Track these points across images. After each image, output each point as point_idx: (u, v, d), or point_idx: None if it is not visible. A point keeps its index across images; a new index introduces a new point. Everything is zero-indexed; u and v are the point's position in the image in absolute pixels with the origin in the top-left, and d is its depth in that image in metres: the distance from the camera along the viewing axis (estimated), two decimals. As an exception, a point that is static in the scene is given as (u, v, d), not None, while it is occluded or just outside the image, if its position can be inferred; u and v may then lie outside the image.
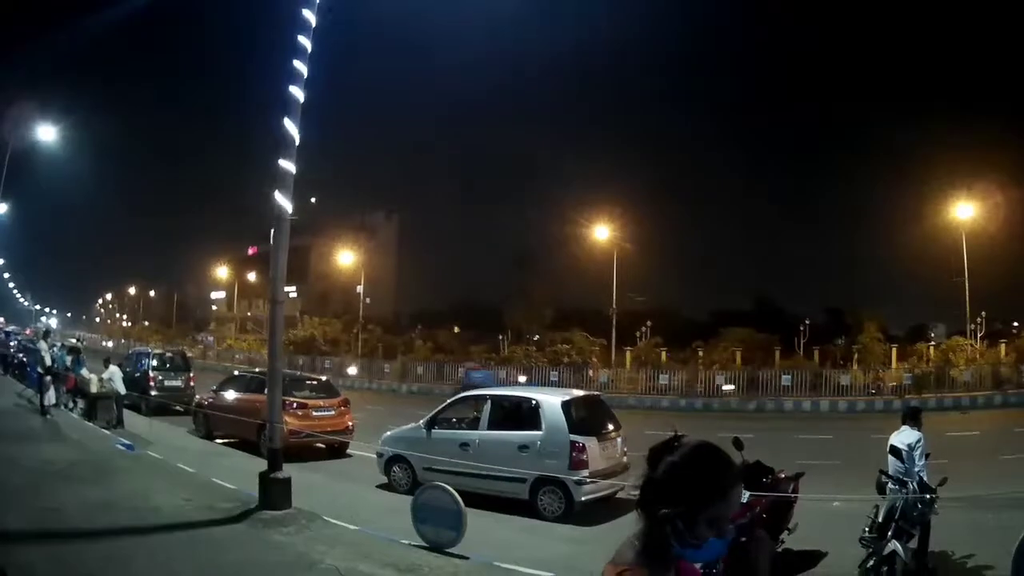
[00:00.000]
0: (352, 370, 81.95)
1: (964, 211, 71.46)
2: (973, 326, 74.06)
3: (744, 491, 13.12)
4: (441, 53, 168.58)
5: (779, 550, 14.07)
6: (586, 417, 21.40)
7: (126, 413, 33.07)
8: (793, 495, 14.56)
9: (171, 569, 13.74)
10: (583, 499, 19.43)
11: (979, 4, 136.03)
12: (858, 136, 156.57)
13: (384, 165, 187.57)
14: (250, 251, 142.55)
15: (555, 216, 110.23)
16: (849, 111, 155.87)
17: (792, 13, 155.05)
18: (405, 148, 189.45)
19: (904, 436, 14.91)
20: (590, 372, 71.79)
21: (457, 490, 15.79)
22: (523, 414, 21.57)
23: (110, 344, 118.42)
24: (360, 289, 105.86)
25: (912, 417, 15.40)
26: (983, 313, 75.97)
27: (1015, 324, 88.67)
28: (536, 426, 20.83)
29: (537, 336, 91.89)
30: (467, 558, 14.75)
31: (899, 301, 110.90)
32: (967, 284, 71.14)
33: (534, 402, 21.55)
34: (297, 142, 19.80)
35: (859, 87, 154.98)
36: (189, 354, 55.92)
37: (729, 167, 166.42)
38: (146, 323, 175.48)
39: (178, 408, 37.75)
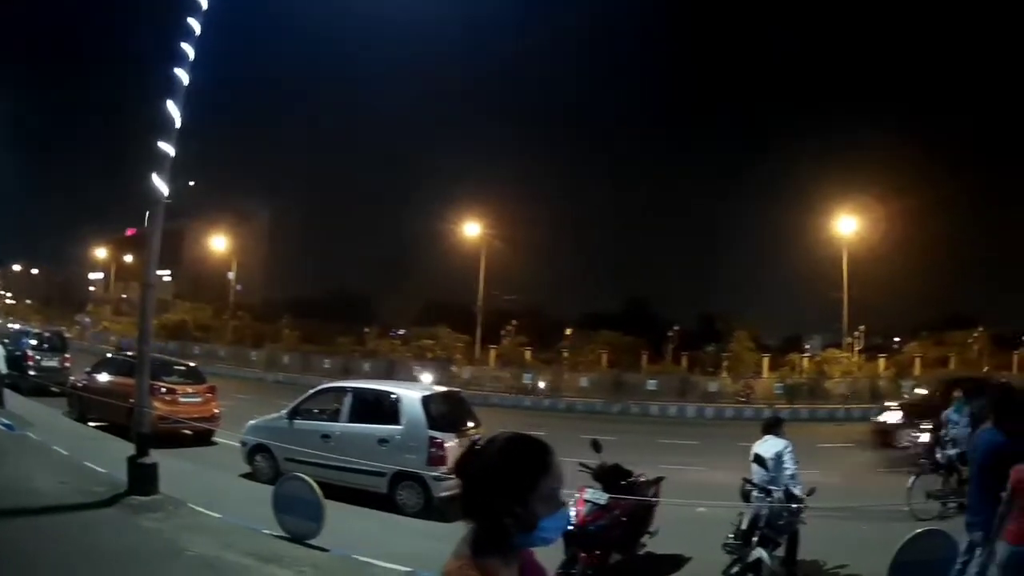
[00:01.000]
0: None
1: (846, 225, 72.38)
2: (851, 339, 75.05)
3: (603, 493, 13.39)
4: (328, 52, 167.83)
5: (640, 554, 14.19)
6: (446, 413, 21.47)
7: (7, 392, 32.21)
8: (654, 499, 14.72)
9: (54, 552, 13.52)
10: (442, 495, 19.36)
11: (871, 19, 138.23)
12: (743, 147, 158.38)
13: (266, 155, 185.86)
14: (128, 232, 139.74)
15: (432, 213, 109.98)
16: (734, 120, 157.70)
17: (675, 17, 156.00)
18: (288, 139, 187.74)
19: (770, 445, 14.78)
20: (454, 368, 71.15)
21: (318, 481, 15.70)
22: (383, 408, 21.49)
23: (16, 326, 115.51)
24: (231, 275, 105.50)
25: (774, 427, 15.40)
26: (862, 327, 77.07)
27: (896, 339, 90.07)
28: (395, 420, 20.86)
29: (403, 330, 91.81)
30: (327, 550, 14.71)
31: (776, 312, 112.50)
32: (846, 298, 72.14)
33: (394, 396, 21.55)
34: (178, 125, 19.54)
35: (746, 95, 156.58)
36: (67, 335, 54.98)
37: (609, 172, 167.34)
38: (28, 302, 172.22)
39: (54, 389, 36.30)
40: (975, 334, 76.37)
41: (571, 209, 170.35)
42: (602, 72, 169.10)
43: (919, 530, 12.70)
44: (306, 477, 15.89)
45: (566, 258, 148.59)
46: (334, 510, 15.80)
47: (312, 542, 14.95)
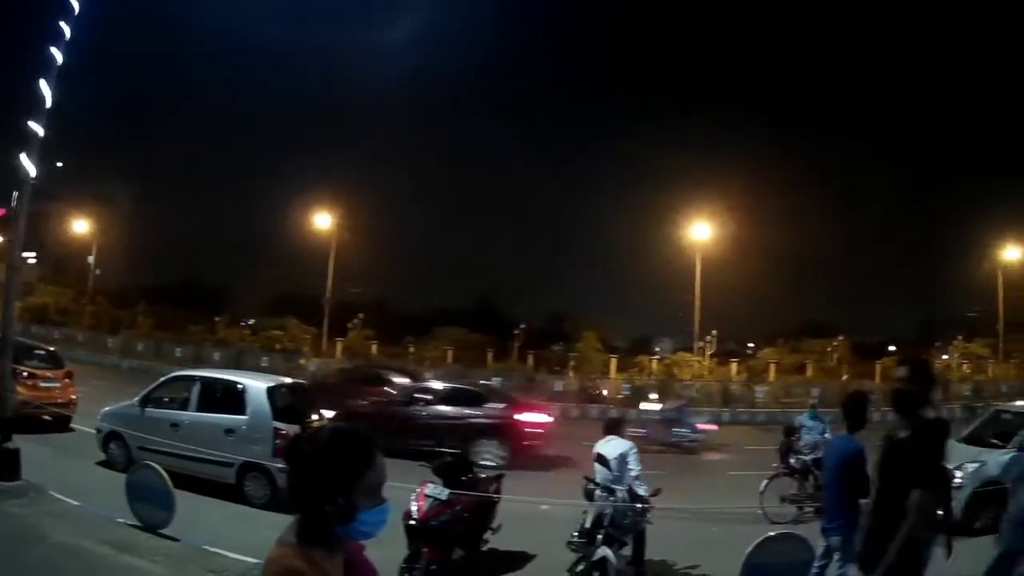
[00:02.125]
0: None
1: (701, 230, 72.79)
2: (702, 343, 75.12)
3: (444, 488, 13.30)
4: (194, 36, 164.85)
5: (484, 550, 14.12)
6: (291, 404, 21.37)
7: None
8: (495, 495, 14.63)
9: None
10: (288, 486, 19.07)
11: (734, 21, 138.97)
12: (600, 146, 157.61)
13: (134, 138, 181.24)
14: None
15: (289, 202, 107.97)
16: (591, 120, 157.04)
17: (525, 10, 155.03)
18: (156, 123, 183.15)
19: (614, 445, 14.52)
20: (302, 360, 69.80)
21: (168, 471, 15.64)
22: (230, 398, 21.17)
23: None
24: (91, 259, 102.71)
25: (617, 427, 15.30)
26: (714, 332, 77.56)
27: (751, 345, 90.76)
28: (241, 410, 20.61)
29: (253, 320, 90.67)
30: (179, 540, 14.74)
31: (628, 314, 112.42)
32: (698, 302, 72.24)
33: (240, 386, 21.27)
34: (50, 104, 19.17)
35: (601, 93, 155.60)
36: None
37: (464, 169, 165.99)
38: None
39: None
40: (834, 343, 77.67)
41: (426, 204, 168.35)
42: (454, 66, 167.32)
43: (772, 533, 12.83)
44: (156, 466, 15.78)
45: (420, 253, 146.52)
46: (186, 500, 15.81)
47: (165, 532, 14.92)
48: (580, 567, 13.04)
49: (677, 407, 37.56)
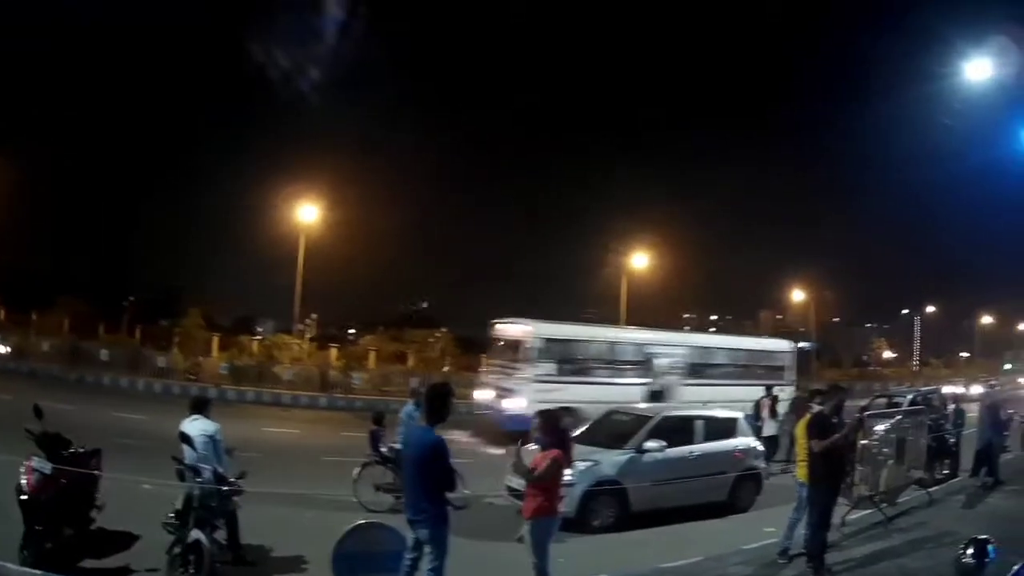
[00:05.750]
0: None
1: (308, 213, 70.40)
2: (302, 326, 72.95)
3: (48, 463, 12.46)
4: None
5: (93, 528, 13.11)
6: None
7: None
8: (96, 472, 13.53)
9: None
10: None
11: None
12: (218, 121, 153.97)
13: None
14: None
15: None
16: (215, 94, 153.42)
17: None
18: None
19: (200, 425, 14.11)
20: None
21: None
22: None
23: None
24: None
25: (202, 406, 14.70)
26: (314, 315, 76.27)
27: (351, 331, 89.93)
28: None
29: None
30: None
31: (235, 292, 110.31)
32: (299, 285, 70.02)
33: None
34: None
35: (224, 71, 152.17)
36: None
37: (105, 134, 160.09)
38: None
39: None
40: (437, 334, 77.43)
41: (63, 166, 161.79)
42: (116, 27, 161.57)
43: (360, 522, 12.15)
44: None
45: (55, 217, 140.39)
46: None
47: None
48: (176, 549, 12.59)
49: None
